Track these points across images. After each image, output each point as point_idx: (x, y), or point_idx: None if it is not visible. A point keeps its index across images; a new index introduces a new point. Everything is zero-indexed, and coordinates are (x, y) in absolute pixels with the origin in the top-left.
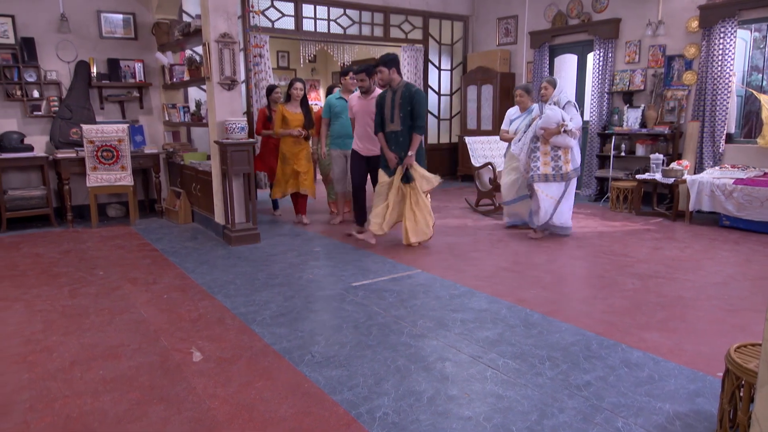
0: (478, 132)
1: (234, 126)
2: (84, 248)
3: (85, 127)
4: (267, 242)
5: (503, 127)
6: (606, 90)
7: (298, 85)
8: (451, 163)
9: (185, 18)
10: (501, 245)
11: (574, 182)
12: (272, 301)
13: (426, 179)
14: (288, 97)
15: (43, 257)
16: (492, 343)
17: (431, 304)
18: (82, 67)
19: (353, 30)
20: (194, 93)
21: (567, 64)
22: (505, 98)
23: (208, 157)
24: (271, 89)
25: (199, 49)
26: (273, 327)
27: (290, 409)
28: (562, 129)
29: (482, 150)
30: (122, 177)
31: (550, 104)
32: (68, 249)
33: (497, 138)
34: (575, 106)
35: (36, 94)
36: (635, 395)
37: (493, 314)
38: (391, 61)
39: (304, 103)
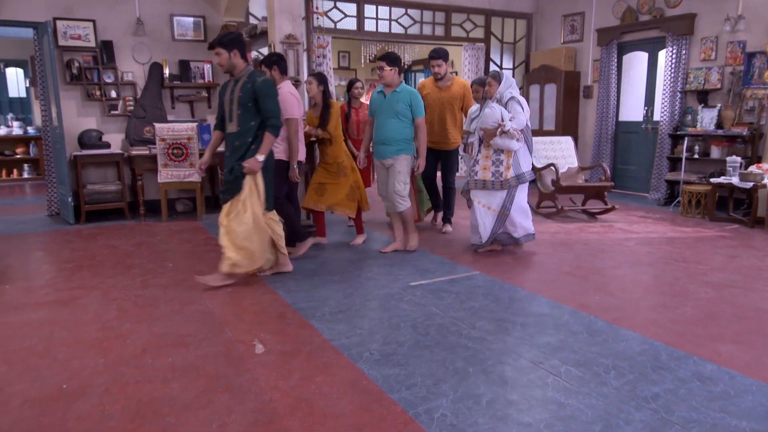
0: (540, 132)
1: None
2: (155, 241)
3: (157, 125)
4: (327, 239)
5: (464, 127)
6: (679, 89)
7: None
8: None
9: (251, 20)
10: (563, 248)
11: (520, 191)
12: (331, 298)
13: (259, 196)
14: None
15: (118, 249)
16: (553, 349)
17: (490, 307)
18: (155, 69)
19: (414, 29)
20: None
21: (636, 61)
22: (569, 97)
23: None
24: (351, 84)
25: (265, 50)
26: (332, 323)
27: (349, 405)
28: (499, 130)
29: (544, 150)
30: (191, 174)
31: (493, 102)
32: (140, 242)
33: (560, 138)
34: (520, 103)
35: (113, 94)
36: (708, 410)
37: (555, 319)
38: (232, 42)
39: (325, 99)
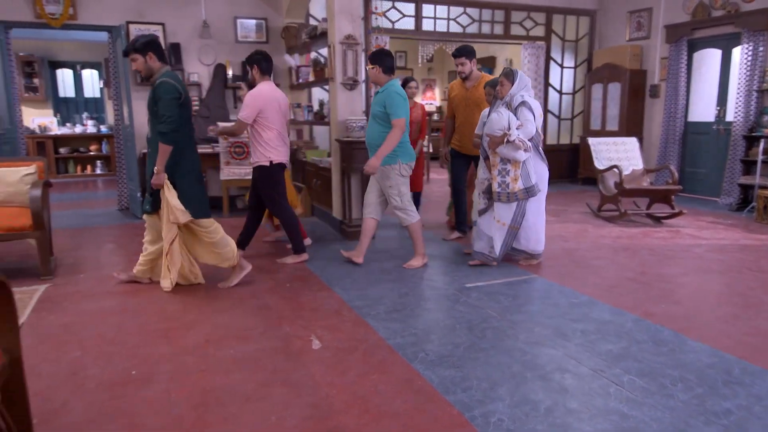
0: (603, 132)
1: (354, 125)
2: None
3: (221, 124)
4: (381, 238)
5: (476, 130)
6: (755, 88)
7: (413, 83)
8: (571, 164)
9: (311, 21)
10: (626, 253)
11: (533, 205)
12: (386, 297)
13: (172, 210)
14: None
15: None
16: (616, 357)
17: (549, 311)
18: (219, 70)
19: (472, 28)
20: (317, 93)
21: (708, 59)
22: (634, 97)
23: (329, 155)
24: (405, 82)
25: (324, 51)
26: (387, 322)
27: (404, 405)
28: (505, 139)
29: (607, 152)
30: (251, 171)
31: (502, 104)
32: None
33: (624, 139)
34: (531, 109)
35: None
36: None
37: (617, 327)
38: (146, 45)
39: None
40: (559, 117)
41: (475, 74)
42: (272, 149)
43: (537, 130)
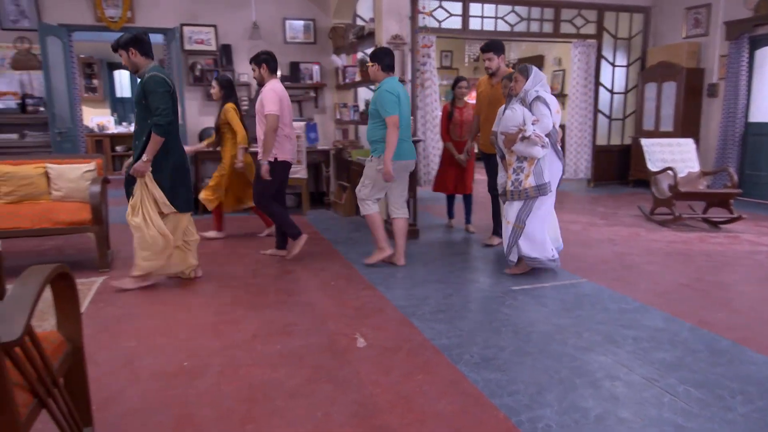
0: (656, 133)
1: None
2: (264, 233)
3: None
4: (425, 239)
5: (492, 128)
6: None
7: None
8: (622, 166)
9: (358, 21)
10: (680, 259)
11: (543, 204)
12: (431, 297)
13: (156, 200)
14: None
15: (231, 240)
16: (670, 366)
17: (598, 317)
18: None
19: (521, 27)
20: (363, 93)
21: None
22: (690, 96)
23: None
24: (456, 82)
25: (370, 51)
26: (432, 322)
27: (449, 406)
28: (520, 135)
29: (660, 153)
30: (298, 170)
31: (517, 101)
32: (251, 233)
33: (680, 140)
34: (547, 104)
35: None
36: None
37: (672, 335)
38: (128, 42)
39: (223, 102)
40: (609, 117)
41: (502, 70)
42: (278, 147)
43: (554, 127)
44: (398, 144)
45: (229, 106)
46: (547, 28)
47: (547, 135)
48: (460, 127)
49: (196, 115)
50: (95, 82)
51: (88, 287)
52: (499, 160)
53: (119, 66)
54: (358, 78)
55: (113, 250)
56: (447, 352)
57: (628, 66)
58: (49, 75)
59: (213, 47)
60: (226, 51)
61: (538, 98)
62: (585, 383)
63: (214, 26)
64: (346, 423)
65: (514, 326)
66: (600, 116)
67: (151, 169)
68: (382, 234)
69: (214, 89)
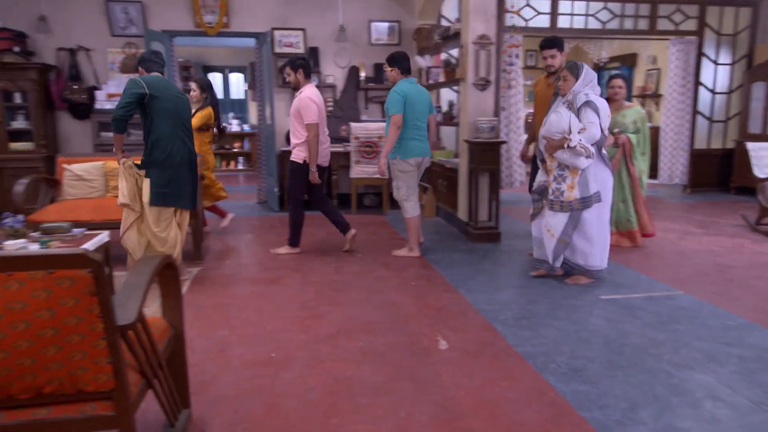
0: (764, 137)
1: (484, 126)
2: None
3: (353, 124)
4: (507, 242)
5: (539, 132)
6: None
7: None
8: (723, 171)
9: (443, 22)
10: None
11: (593, 216)
12: (514, 302)
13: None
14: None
15: (315, 236)
16: None
17: (697, 333)
18: (353, 72)
19: (613, 24)
20: (446, 94)
21: None
22: None
23: (455, 155)
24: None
25: (455, 52)
26: (515, 329)
27: (534, 415)
28: (566, 144)
29: None
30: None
31: (564, 103)
32: (333, 231)
33: None
34: (596, 110)
35: None
36: None
37: None
38: (139, 61)
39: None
40: (710, 119)
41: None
42: (309, 150)
43: (603, 132)
44: (410, 142)
45: (209, 111)
46: (643, 25)
47: (594, 143)
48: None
49: (284, 116)
50: (191, 84)
51: (185, 277)
52: (539, 163)
53: (214, 69)
54: (442, 78)
55: (206, 243)
56: (532, 359)
57: (732, 64)
58: None
59: (301, 50)
60: (313, 53)
61: (587, 103)
62: (683, 402)
63: (303, 29)
64: (428, 424)
65: (604, 337)
66: (699, 118)
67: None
68: (415, 237)
69: (195, 92)
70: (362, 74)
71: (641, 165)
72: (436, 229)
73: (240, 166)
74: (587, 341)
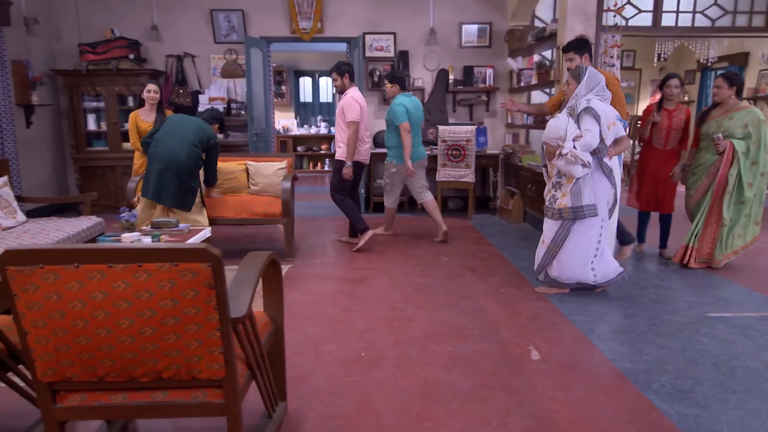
0: None
1: None
2: (430, 235)
3: (440, 127)
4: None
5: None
6: None
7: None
8: None
9: (536, 23)
10: None
11: (587, 228)
12: (610, 315)
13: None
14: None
15: (399, 238)
16: None
17: None
18: (442, 75)
19: (724, 21)
20: (538, 96)
21: None
22: None
23: None
24: (666, 79)
25: (548, 54)
26: (612, 343)
27: None
28: (557, 152)
29: None
30: (466, 174)
31: (567, 108)
32: (418, 234)
33: None
34: (596, 117)
35: None
36: None
37: None
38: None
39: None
40: None
41: None
42: (358, 150)
43: (603, 142)
44: (400, 149)
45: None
46: (758, 21)
47: (595, 152)
48: (666, 133)
49: (372, 118)
50: (283, 88)
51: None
52: (543, 169)
53: (304, 73)
54: (534, 81)
55: (296, 241)
56: (632, 377)
57: None
58: (251, 82)
59: (391, 53)
60: (403, 57)
61: (587, 110)
62: None
63: (394, 33)
64: None
65: (714, 358)
66: None
67: None
68: (390, 221)
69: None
70: (451, 77)
71: (748, 177)
72: (524, 235)
73: (326, 168)
74: (694, 361)
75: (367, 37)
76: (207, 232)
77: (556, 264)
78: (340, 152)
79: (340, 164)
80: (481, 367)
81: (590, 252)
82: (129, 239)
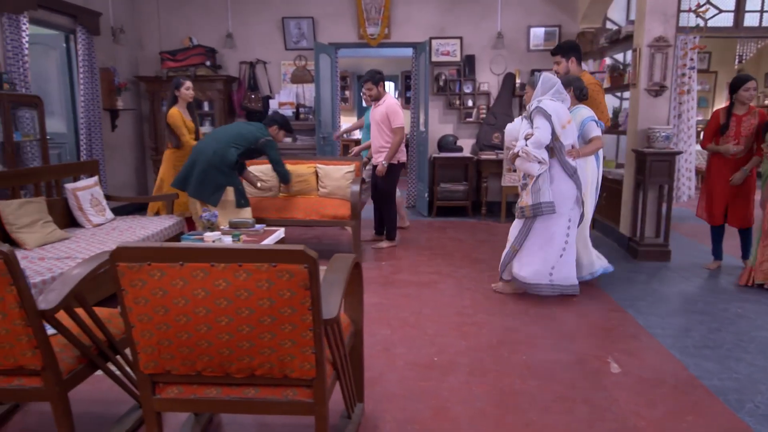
0: None
1: (658, 134)
2: (496, 240)
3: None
4: (678, 262)
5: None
6: None
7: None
8: None
9: (608, 25)
10: None
11: (548, 226)
12: (693, 329)
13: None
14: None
15: (464, 243)
16: None
17: None
18: (508, 79)
19: None
20: (608, 100)
21: None
22: None
23: (616, 165)
24: (742, 81)
25: (620, 57)
26: (698, 358)
27: None
28: (511, 152)
29: None
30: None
31: (525, 113)
32: (483, 239)
33: None
34: (545, 116)
35: (470, 103)
36: None
37: None
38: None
39: None
40: None
41: (573, 74)
42: (401, 151)
43: (558, 140)
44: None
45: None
46: None
47: (554, 152)
48: (735, 140)
49: (436, 122)
50: (347, 93)
51: None
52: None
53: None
54: (606, 84)
55: (363, 242)
56: (722, 395)
57: None
58: (319, 87)
59: (457, 58)
60: (469, 61)
61: (537, 109)
62: None
63: (460, 38)
64: None
65: None
66: None
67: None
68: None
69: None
70: (518, 81)
71: None
72: (595, 243)
73: None
74: None
75: (434, 42)
76: (281, 233)
77: (517, 263)
78: (385, 156)
79: (393, 167)
80: (558, 378)
81: (552, 253)
82: (211, 238)
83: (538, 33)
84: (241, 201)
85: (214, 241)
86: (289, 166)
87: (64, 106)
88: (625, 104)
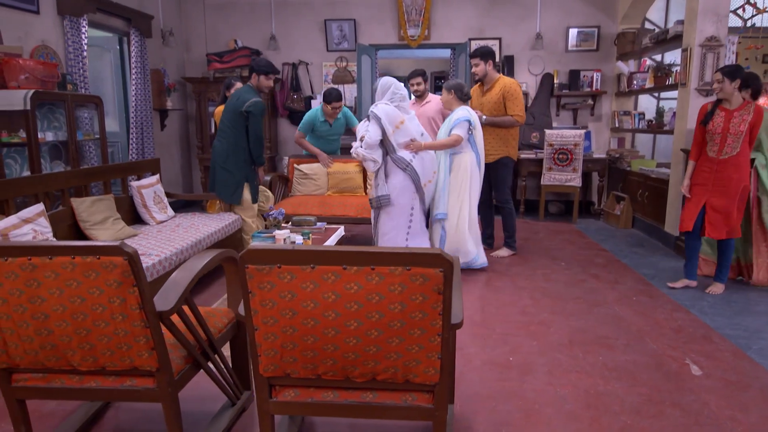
0: None
1: None
2: (538, 238)
3: (547, 131)
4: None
5: None
6: None
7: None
8: None
9: (646, 26)
10: None
11: (391, 217)
12: (764, 331)
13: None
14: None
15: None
16: None
17: None
18: (546, 79)
19: None
20: (645, 101)
21: None
22: None
23: (658, 165)
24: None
25: (668, 56)
26: None
27: None
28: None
29: None
30: (572, 178)
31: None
32: (526, 236)
33: None
34: (375, 119)
35: None
36: None
37: None
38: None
39: None
40: None
41: (490, 76)
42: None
43: (388, 139)
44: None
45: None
46: None
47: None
48: (721, 140)
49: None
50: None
51: None
52: None
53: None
54: (649, 84)
55: None
56: None
57: None
58: (360, 87)
59: (497, 59)
60: (508, 62)
61: (370, 113)
62: None
63: (499, 39)
64: None
65: None
66: None
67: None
68: None
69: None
70: (556, 81)
71: None
72: (639, 242)
73: None
74: None
75: (473, 43)
76: (341, 231)
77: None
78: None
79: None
80: (641, 379)
81: (399, 239)
82: (282, 236)
83: (576, 33)
84: (255, 197)
85: (285, 240)
86: (337, 165)
87: (117, 106)
88: (667, 104)
